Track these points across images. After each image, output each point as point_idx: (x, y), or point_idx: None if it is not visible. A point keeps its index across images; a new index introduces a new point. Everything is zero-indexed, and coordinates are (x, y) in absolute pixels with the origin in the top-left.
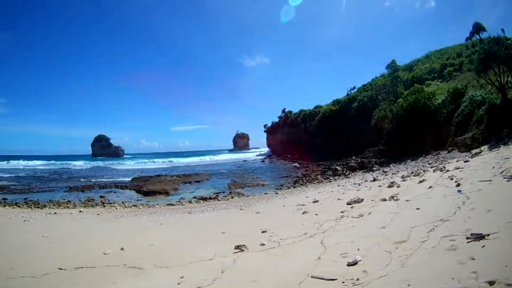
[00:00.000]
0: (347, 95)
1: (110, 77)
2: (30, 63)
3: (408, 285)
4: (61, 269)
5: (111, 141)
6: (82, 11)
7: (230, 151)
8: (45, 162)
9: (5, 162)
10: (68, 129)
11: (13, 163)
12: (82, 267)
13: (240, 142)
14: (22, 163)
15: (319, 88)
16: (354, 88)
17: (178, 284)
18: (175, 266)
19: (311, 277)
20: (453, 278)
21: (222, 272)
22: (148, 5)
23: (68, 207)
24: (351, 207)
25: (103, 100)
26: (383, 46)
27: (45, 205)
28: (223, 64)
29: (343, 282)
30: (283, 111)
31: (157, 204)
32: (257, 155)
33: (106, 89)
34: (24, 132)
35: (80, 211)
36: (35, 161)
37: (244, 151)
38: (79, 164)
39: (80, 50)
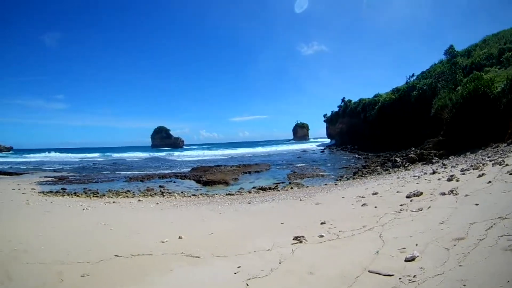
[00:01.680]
0: (406, 83)
1: (170, 69)
2: (84, 59)
3: (464, 286)
4: (117, 256)
5: (171, 133)
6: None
7: (290, 141)
8: (104, 153)
9: (65, 154)
10: (128, 121)
11: (73, 155)
12: (139, 255)
13: (300, 132)
14: (81, 155)
15: (379, 76)
16: (413, 75)
17: (235, 273)
18: (232, 255)
19: (368, 271)
20: (508, 281)
21: (280, 263)
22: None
23: (127, 196)
24: (411, 201)
25: (163, 92)
26: (441, 30)
27: (104, 195)
28: (281, 53)
29: (399, 278)
30: (343, 100)
31: (216, 194)
32: (317, 146)
33: (166, 81)
34: (83, 125)
35: (139, 200)
36: (94, 153)
37: (304, 141)
38: (138, 155)
39: (139, 45)
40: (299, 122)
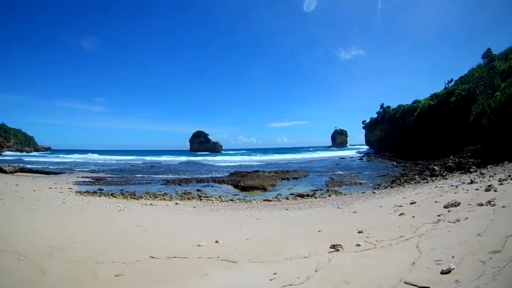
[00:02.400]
0: (445, 88)
1: (209, 73)
2: (123, 63)
3: None
4: (153, 257)
5: (210, 137)
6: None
7: (328, 148)
8: (142, 156)
9: (103, 155)
10: (166, 125)
11: (110, 157)
12: (174, 257)
13: (339, 139)
14: (118, 157)
15: (418, 81)
16: (451, 80)
17: (271, 280)
18: (269, 261)
19: (404, 282)
20: None
21: (316, 271)
22: (242, 5)
23: (164, 199)
24: (448, 211)
25: (202, 97)
26: (480, 32)
27: (141, 196)
28: (319, 58)
29: None
30: (381, 106)
31: (254, 200)
32: (355, 153)
33: (205, 86)
34: (122, 128)
35: (176, 203)
36: (132, 156)
37: (342, 148)
38: (176, 158)
39: (178, 50)
40: (338, 128)
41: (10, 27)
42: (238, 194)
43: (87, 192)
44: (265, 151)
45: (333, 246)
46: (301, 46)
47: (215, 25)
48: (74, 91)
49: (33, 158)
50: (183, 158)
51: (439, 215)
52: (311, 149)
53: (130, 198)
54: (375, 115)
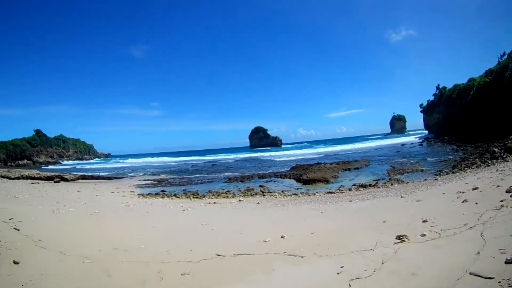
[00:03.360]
0: (498, 63)
1: (263, 69)
2: (174, 67)
3: None
4: (219, 255)
5: (269, 132)
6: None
7: (387, 135)
8: (201, 156)
9: (162, 158)
10: (224, 123)
11: (170, 159)
12: (241, 254)
13: (397, 125)
14: (178, 159)
15: (472, 58)
16: (504, 54)
17: (338, 274)
18: (335, 255)
19: (469, 273)
20: None
21: (383, 263)
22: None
23: (227, 196)
24: (510, 196)
25: (259, 93)
26: None
27: (204, 196)
28: (369, 43)
29: (499, 282)
30: (437, 87)
31: (317, 193)
32: (415, 138)
33: (261, 81)
34: (179, 130)
35: (240, 201)
36: (192, 156)
37: (401, 134)
38: (237, 156)
39: (231, 48)
40: (395, 114)
41: (66, 43)
42: (300, 188)
43: (150, 194)
44: (324, 142)
45: (398, 237)
46: (349, 32)
47: (266, 20)
48: (130, 98)
49: (92, 165)
50: (244, 155)
51: (501, 201)
52: (370, 137)
53: (193, 197)
54: (432, 98)
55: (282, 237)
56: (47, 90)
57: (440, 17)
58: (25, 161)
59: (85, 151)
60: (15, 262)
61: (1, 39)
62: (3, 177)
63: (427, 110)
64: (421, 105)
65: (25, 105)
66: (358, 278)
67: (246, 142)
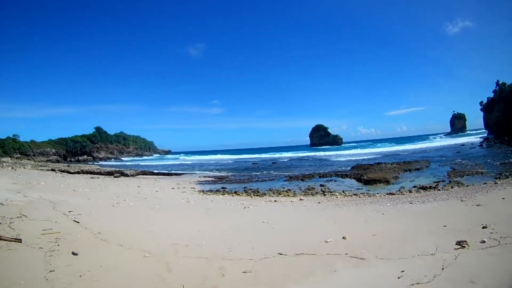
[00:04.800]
0: None
1: (324, 67)
2: (232, 65)
3: None
4: (281, 254)
5: (329, 130)
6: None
7: (448, 134)
8: (262, 154)
9: (222, 155)
10: (284, 121)
11: (230, 157)
12: (302, 254)
13: (457, 124)
14: (238, 156)
15: None
16: None
17: (398, 278)
18: (396, 258)
19: None
20: None
21: (443, 269)
22: None
23: (288, 195)
24: None
25: (319, 90)
26: None
27: (264, 194)
28: (426, 37)
29: None
30: (497, 83)
31: (377, 193)
32: (475, 138)
33: (321, 79)
34: (239, 127)
35: (301, 199)
36: (252, 154)
37: (462, 134)
38: (298, 154)
39: (288, 44)
40: (456, 112)
41: (125, 44)
42: (361, 188)
43: (210, 190)
44: (384, 141)
45: (458, 243)
46: (404, 25)
47: (319, 15)
48: (190, 96)
49: (152, 161)
50: (304, 154)
51: None
52: (430, 136)
53: (254, 195)
54: (492, 95)
55: (343, 238)
56: (108, 89)
57: (497, 6)
58: (85, 156)
59: (145, 147)
60: (74, 253)
61: (66, 44)
62: (63, 171)
63: (487, 108)
64: (481, 103)
65: (86, 104)
66: (418, 283)
67: (306, 140)
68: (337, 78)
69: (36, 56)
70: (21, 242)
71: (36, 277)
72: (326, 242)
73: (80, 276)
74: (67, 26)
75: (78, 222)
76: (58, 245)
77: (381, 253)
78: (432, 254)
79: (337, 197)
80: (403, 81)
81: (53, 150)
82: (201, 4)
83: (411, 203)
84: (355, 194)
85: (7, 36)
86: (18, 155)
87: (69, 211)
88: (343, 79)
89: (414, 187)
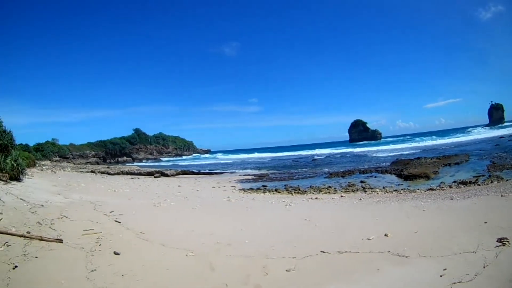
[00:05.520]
0: None
1: (361, 61)
2: (268, 63)
3: None
4: (323, 252)
5: (368, 125)
6: None
7: (486, 126)
8: (301, 151)
9: (262, 154)
10: (321, 117)
11: (269, 155)
12: (345, 252)
13: (495, 114)
14: (277, 154)
15: None
16: None
17: (441, 276)
18: (438, 256)
19: None
20: None
21: (484, 267)
22: None
23: (329, 192)
24: None
25: (357, 84)
26: None
27: (305, 191)
28: (459, 24)
29: None
30: None
31: (418, 189)
32: None
33: (358, 73)
34: (276, 125)
35: (342, 196)
36: (291, 152)
37: (500, 125)
38: (337, 151)
39: (322, 41)
40: (493, 103)
41: (161, 46)
42: (402, 184)
43: (251, 189)
44: (423, 135)
45: (499, 240)
46: (436, 12)
47: (361, 15)
48: (228, 95)
49: (192, 161)
50: (343, 150)
51: None
52: (468, 128)
53: (295, 193)
54: None
55: (385, 235)
56: (146, 91)
57: None
58: (124, 158)
59: (184, 147)
60: (116, 253)
61: (105, 49)
62: (103, 173)
63: None
64: None
65: (124, 106)
66: (460, 282)
67: (345, 136)
68: (375, 71)
69: (75, 63)
70: (62, 242)
71: (78, 277)
72: (368, 239)
73: (122, 275)
74: (107, 30)
75: (120, 222)
76: (99, 245)
77: (423, 251)
78: (473, 252)
79: (377, 193)
80: (439, 73)
81: (92, 153)
82: (234, 2)
83: (452, 199)
84: (396, 190)
85: (50, 44)
86: (57, 158)
87: (110, 212)
88: (381, 72)
89: (454, 182)
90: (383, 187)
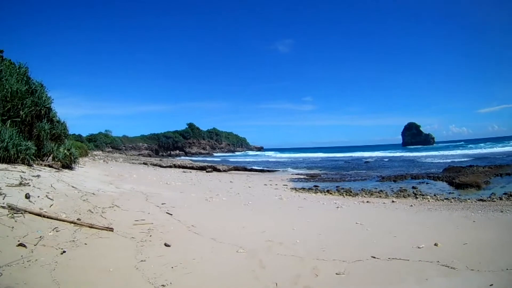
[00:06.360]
0: None
1: (412, 61)
2: (321, 61)
3: None
4: (374, 257)
5: (421, 129)
6: None
7: None
8: (353, 152)
9: (314, 153)
10: (375, 119)
11: (322, 155)
12: (395, 258)
13: None
14: (330, 154)
15: None
16: None
17: None
18: (485, 271)
19: None
20: None
21: None
22: None
23: (380, 196)
24: None
25: (410, 86)
26: None
27: (357, 194)
28: (503, 21)
29: None
30: None
31: (468, 199)
32: None
33: (411, 74)
34: (330, 125)
35: (393, 202)
36: (344, 153)
37: None
38: (390, 154)
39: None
40: None
41: (213, 42)
42: (452, 192)
43: (303, 188)
44: (475, 141)
45: None
46: (488, 13)
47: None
48: (283, 93)
49: (244, 158)
50: (396, 153)
51: None
52: None
53: (346, 195)
54: None
55: (435, 244)
56: (201, 87)
57: None
58: (177, 151)
59: (237, 143)
60: (166, 245)
61: (161, 45)
62: (155, 165)
63: None
64: None
65: (179, 101)
66: None
67: (397, 139)
68: (429, 73)
69: (131, 57)
70: (112, 231)
71: (127, 266)
72: (418, 248)
73: (172, 267)
74: (165, 30)
75: (171, 215)
76: (150, 235)
77: (471, 264)
78: None
79: (428, 200)
80: (494, 75)
81: (145, 145)
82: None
83: (502, 211)
84: (447, 199)
85: (105, 40)
86: (110, 149)
87: (162, 204)
88: (435, 74)
89: (505, 194)
90: (434, 194)
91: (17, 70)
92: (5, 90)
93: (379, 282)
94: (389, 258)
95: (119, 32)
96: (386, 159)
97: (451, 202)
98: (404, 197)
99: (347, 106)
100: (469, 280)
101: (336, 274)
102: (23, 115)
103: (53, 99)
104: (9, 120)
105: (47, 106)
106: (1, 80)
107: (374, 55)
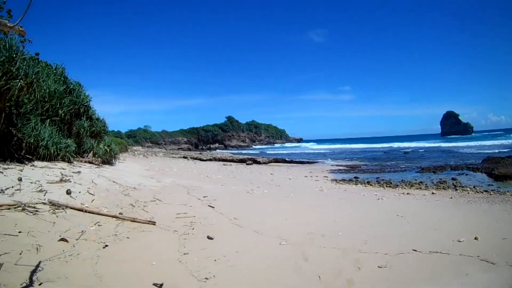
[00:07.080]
0: None
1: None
2: (357, 51)
3: None
4: (415, 250)
5: (460, 118)
6: None
7: None
8: (392, 143)
9: (353, 144)
10: (412, 109)
11: (361, 145)
12: (436, 252)
13: None
14: (368, 145)
15: None
16: None
17: None
18: None
19: None
20: None
21: None
22: None
23: (420, 188)
24: None
25: (452, 72)
26: None
27: (397, 185)
28: None
29: None
30: None
31: (507, 191)
32: None
33: (450, 62)
34: (369, 115)
35: (433, 193)
36: (382, 143)
37: None
38: (428, 145)
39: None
40: None
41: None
42: (492, 184)
43: (343, 180)
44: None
45: None
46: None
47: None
48: (319, 83)
49: (284, 150)
50: (435, 143)
51: None
52: None
53: (386, 186)
54: None
55: (475, 238)
56: (239, 80)
57: None
58: (216, 144)
59: (277, 135)
60: (209, 238)
61: (199, 42)
62: (195, 158)
63: None
64: None
65: (218, 95)
66: None
67: (436, 129)
68: (466, 59)
69: (170, 52)
70: (155, 224)
71: (169, 259)
72: (459, 241)
73: (215, 260)
74: (203, 27)
75: (213, 207)
76: (193, 228)
77: (510, 259)
78: None
79: (468, 192)
80: None
81: (185, 139)
82: None
83: None
84: (486, 191)
85: (143, 38)
86: (149, 144)
87: (204, 197)
88: (473, 60)
89: None
90: (474, 186)
91: (54, 71)
92: (43, 91)
93: (419, 276)
94: (430, 252)
95: (159, 27)
96: (425, 149)
97: (490, 194)
98: (444, 189)
99: (387, 96)
100: (508, 276)
101: (378, 267)
102: (62, 114)
103: (91, 97)
104: (48, 120)
105: (86, 104)
106: (38, 82)
107: (412, 41)
